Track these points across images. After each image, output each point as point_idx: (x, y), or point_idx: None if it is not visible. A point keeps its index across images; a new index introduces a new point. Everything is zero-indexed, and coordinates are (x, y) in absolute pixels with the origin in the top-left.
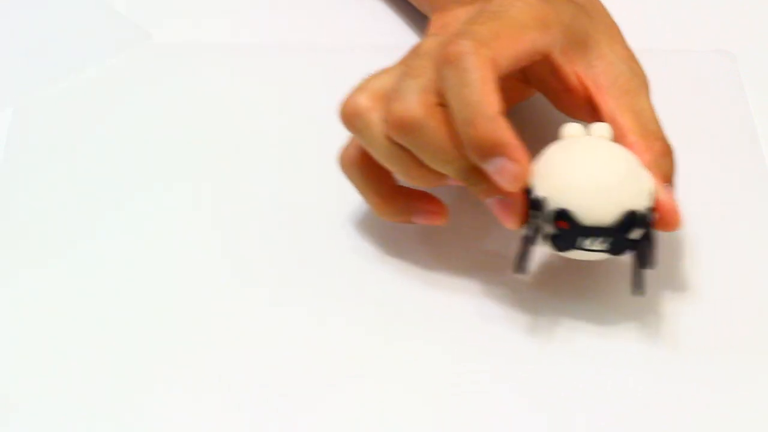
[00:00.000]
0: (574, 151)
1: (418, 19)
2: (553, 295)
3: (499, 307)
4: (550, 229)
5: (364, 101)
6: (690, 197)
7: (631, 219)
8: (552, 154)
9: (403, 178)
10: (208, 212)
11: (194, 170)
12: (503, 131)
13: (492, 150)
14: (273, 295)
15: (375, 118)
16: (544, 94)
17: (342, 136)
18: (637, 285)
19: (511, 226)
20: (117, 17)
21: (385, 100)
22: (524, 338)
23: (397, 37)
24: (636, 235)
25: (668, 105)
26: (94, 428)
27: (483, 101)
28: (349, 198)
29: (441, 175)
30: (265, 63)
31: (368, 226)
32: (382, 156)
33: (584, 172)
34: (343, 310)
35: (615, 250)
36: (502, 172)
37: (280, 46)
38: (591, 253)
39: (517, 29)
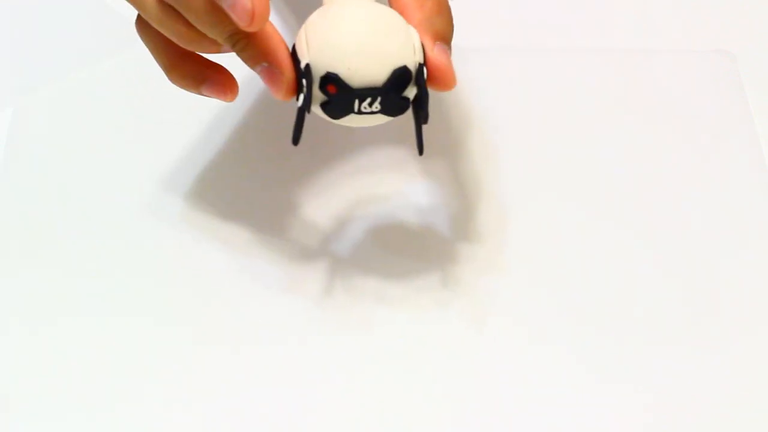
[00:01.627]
0: (334, 14)
1: None
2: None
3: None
4: (321, 96)
5: None
6: (690, 197)
7: (402, 75)
8: (314, 20)
9: (177, 42)
10: (207, 211)
11: (194, 170)
12: None
13: None
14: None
15: None
16: None
17: (339, 134)
18: (418, 144)
19: (280, 96)
20: (117, 17)
21: None
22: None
23: None
24: (410, 94)
25: (668, 105)
26: (92, 427)
27: None
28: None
29: (213, 41)
30: None
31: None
32: (154, 19)
33: (345, 32)
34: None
35: (390, 110)
36: (235, 7)
37: None
38: (367, 116)
39: None
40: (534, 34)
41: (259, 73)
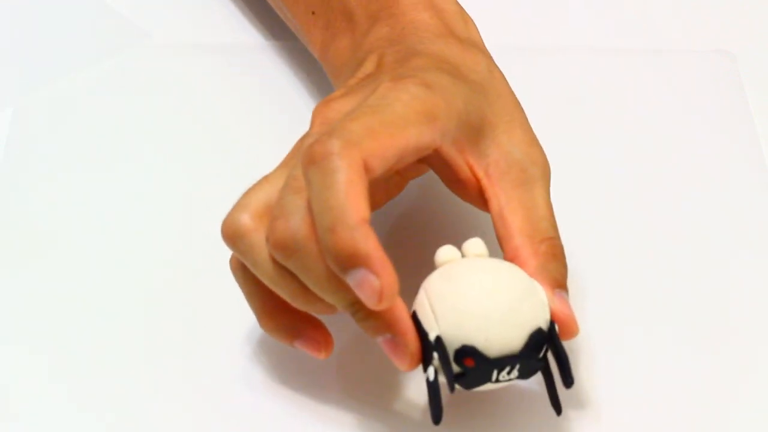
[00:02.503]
0: (459, 279)
1: None
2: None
3: None
4: (455, 368)
5: (246, 221)
6: (690, 197)
7: (538, 338)
8: (437, 285)
9: (290, 302)
10: (207, 211)
11: (194, 170)
12: (365, 241)
13: (351, 261)
14: None
15: (258, 239)
16: (439, 177)
17: None
18: (555, 403)
19: (404, 367)
20: (117, 17)
21: (268, 218)
22: None
23: None
24: (543, 353)
25: (668, 105)
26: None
27: (346, 207)
28: None
29: (329, 304)
30: (265, 63)
31: None
32: (267, 278)
33: (478, 302)
34: None
35: (526, 374)
36: (362, 285)
37: (279, 46)
38: (502, 383)
39: (397, 125)
40: (534, 34)
41: (380, 344)
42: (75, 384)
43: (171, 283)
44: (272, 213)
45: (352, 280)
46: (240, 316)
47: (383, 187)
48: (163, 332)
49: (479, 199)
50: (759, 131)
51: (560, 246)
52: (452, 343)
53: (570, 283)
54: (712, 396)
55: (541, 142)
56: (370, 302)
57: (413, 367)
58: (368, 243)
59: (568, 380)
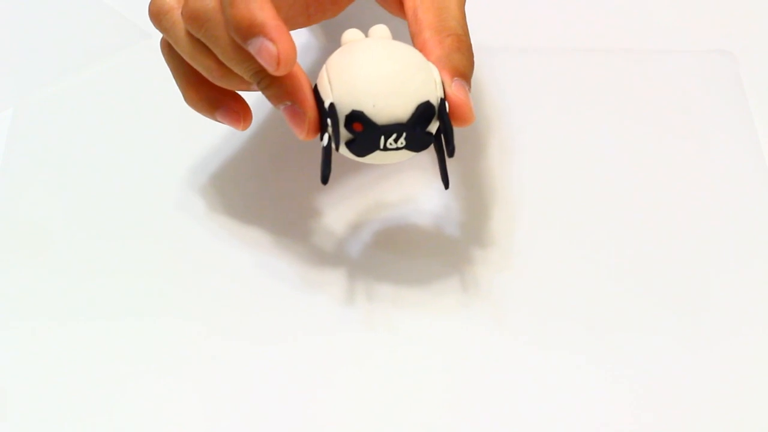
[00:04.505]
0: (355, 53)
1: None
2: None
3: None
4: (347, 134)
5: (172, 1)
6: (690, 197)
7: (426, 110)
8: (335, 59)
9: (207, 76)
10: (207, 211)
11: (194, 169)
12: (260, 11)
13: (250, 30)
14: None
15: (179, 17)
16: None
17: None
18: (443, 178)
19: (302, 135)
20: (117, 17)
21: None
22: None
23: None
24: (433, 128)
25: (668, 105)
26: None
27: None
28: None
29: (241, 78)
30: None
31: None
32: (186, 54)
33: (368, 70)
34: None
35: (414, 145)
36: (261, 51)
37: None
38: (392, 153)
39: None
40: (534, 34)
41: (282, 112)
42: (75, 383)
43: (170, 282)
44: None
45: (252, 47)
46: (259, 317)
47: (316, 2)
48: (162, 332)
49: (396, 4)
50: (759, 131)
51: (467, 42)
52: (343, 110)
53: (570, 283)
54: (712, 395)
55: (541, 142)
56: (270, 67)
57: (311, 135)
58: (264, 13)
59: (450, 149)
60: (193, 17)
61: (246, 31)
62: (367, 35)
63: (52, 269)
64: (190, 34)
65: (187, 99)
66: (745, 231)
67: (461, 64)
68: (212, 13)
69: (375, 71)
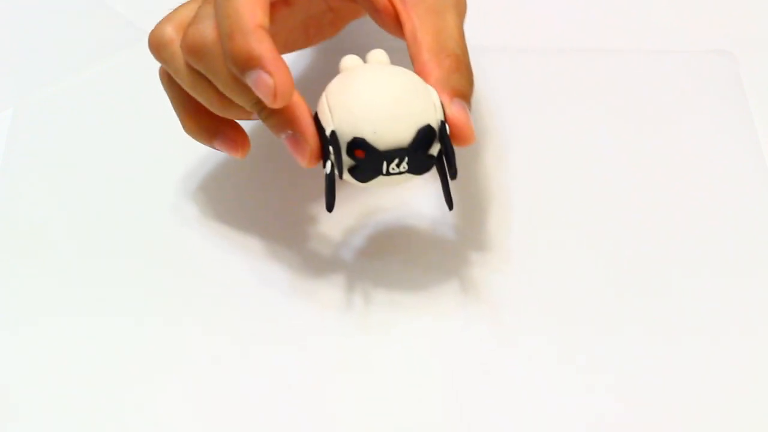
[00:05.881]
0: (354, 80)
1: None
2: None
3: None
4: (349, 161)
5: (169, 31)
6: (690, 197)
7: (426, 134)
8: (335, 86)
9: (207, 106)
10: (208, 210)
11: (193, 169)
12: (259, 44)
13: (247, 63)
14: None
15: (178, 48)
16: (368, 13)
17: None
18: (447, 199)
19: (304, 163)
20: (117, 17)
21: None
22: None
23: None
24: (434, 151)
25: (668, 105)
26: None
27: (242, 14)
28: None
29: (241, 107)
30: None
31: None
32: (186, 84)
33: (368, 97)
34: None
35: (416, 169)
36: (258, 84)
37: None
38: (394, 177)
39: None
40: (533, 34)
41: (284, 141)
42: (73, 383)
43: (171, 282)
44: (191, 20)
45: (250, 80)
46: (255, 321)
47: (316, 24)
48: (162, 332)
49: (395, 25)
50: (759, 131)
51: (466, 63)
52: (345, 137)
53: (569, 282)
54: (712, 395)
55: (540, 142)
56: (267, 100)
57: (313, 163)
58: (262, 46)
59: (453, 171)
60: (193, 50)
61: (243, 64)
62: (365, 60)
63: (51, 269)
64: (190, 66)
65: (186, 128)
66: (744, 231)
67: (460, 84)
68: (211, 45)
69: (374, 98)
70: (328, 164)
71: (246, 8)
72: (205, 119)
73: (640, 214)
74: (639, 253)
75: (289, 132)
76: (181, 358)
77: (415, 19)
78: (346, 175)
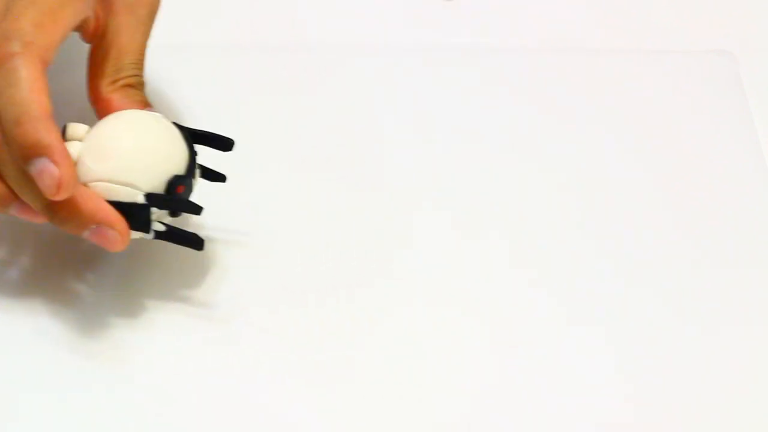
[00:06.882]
0: (104, 154)
1: (423, 17)
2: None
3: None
4: (183, 201)
5: None
6: (690, 197)
7: (186, 131)
8: (93, 172)
9: None
10: (207, 209)
11: None
12: (47, 133)
13: (34, 150)
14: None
15: None
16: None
17: (344, 133)
18: (217, 176)
19: (119, 247)
20: None
21: None
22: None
23: (402, 36)
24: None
25: (668, 105)
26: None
27: (30, 101)
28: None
29: (26, 205)
30: (265, 63)
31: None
32: None
33: (146, 142)
34: None
35: (198, 168)
36: (42, 173)
37: (280, 46)
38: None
39: (56, 11)
40: (534, 35)
41: (89, 238)
42: (73, 382)
43: (170, 282)
44: None
45: (34, 169)
46: (240, 316)
47: None
48: (162, 332)
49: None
50: (759, 131)
51: (136, 78)
52: (160, 188)
53: (569, 282)
54: (712, 395)
55: (541, 142)
56: (50, 191)
57: (126, 243)
58: (50, 135)
59: (219, 174)
60: None
61: (30, 152)
62: (66, 136)
63: (51, 269)
64: None
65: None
66: (745, 231)
67: (142, 97)
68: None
69: (147, 138)
70: (158, 225)
71: (34, 94)
72: (1, 187)
73: (640, 213)
74: (639, 252)
75: (93, 226)
76: (176, 354)
77: (109, 35)
78: (165, 225)
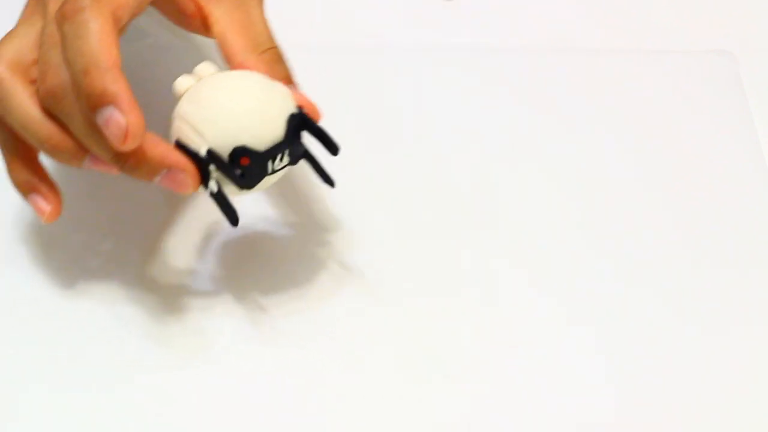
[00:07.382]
0: (206, 94)
1: (423, 17)
2: None
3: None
4: (234, 172)
5: (2, 70)
6: (690, 197)
7: (296, 122)
8: (188, 109)
9: (45, 148)
10: (208, 209)
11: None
12: (115, 82)
13: (101, 99)
14: None
15: (13, 87)
16: (165, 15)
17: (344, 133)
18: (325, 179)
19: (189, 190)
20: None
21: (23, 70)
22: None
23: (402, 36)
24: (302, 137)
25: (668, 105)
26: None
27: (98, 51)
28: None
29: (97, 158)
30: None
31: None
32: (18, 124)
33: (232, 105)
34: None
35: (294, 158)
36: (109, 122)
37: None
38: (276, 173)
39: None
40: (534, 35)
41: (159, 184)
42: (73, 382)
43: (169, 281)
44: (39, 66)
45: (101, 118)
46: (239, 316)
47: None
48: (162, 331)
49: (203, 27)
50: (759, 131)
51: (281, 53)
52: (224, 150)
53: (569, 282)
54: (712, 394)
55: (541, 142)
56: (117, 140)
57: (196, 187)
58: (118, 84)
59: (334, 148)
60: (53, 93)
61: (97, 101)
62: (194, 70)
63: (50, 269)
64: (33, 107)
65: (10, 173)
66: (745, 231)
67: (285, 73)
68: (70, 90)
69: (238, 104)
70: (213, 183)
71: (102, 45)
72: (28, 172)
73: (640, 213)
74: (639, 252)
75: (164, 171)
76: (176, 354)
77: (222, 19)
78: (230, 188)
